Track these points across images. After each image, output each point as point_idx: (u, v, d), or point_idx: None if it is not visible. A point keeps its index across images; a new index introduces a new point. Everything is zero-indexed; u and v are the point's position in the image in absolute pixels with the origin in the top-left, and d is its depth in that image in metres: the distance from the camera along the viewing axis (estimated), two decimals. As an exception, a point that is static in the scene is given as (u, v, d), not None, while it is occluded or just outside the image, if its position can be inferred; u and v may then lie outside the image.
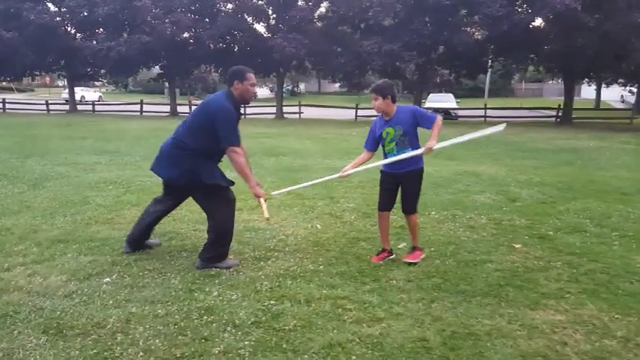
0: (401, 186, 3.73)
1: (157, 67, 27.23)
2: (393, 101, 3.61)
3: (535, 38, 20.29)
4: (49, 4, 25.44)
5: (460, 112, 24.70)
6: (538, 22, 20.35)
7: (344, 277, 3.40)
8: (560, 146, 12.40)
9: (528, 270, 3.61)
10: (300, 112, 24.78)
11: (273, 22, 23.89)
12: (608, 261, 3.86)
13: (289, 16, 22.23)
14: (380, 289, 3.20)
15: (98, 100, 34.71)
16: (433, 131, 3.53)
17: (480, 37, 22.10)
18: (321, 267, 3.57)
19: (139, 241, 3.77)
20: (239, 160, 3.38)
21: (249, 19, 23.71)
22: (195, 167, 3.39)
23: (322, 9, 25.03)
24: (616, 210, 5.58)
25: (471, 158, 9.75)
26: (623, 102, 38.72)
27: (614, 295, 3.23)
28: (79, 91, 33.13)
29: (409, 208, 3.79)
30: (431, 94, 27.02)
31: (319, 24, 24.18)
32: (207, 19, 24.00)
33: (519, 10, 20.13)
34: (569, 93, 22.32)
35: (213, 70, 27.15)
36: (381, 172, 3.81)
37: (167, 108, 25.99)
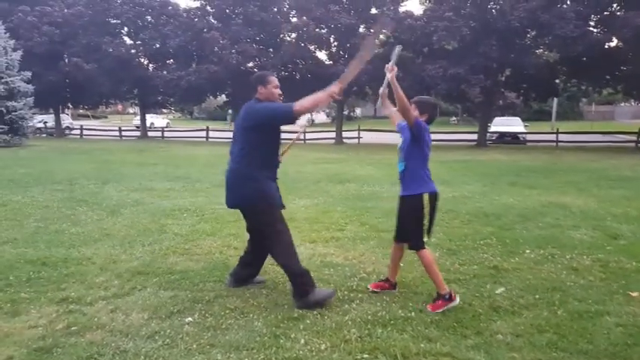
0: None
1: (223, 95, 28.28)
2: (428, 123, 3.37)
3: (612, 59, 19.03)
4: (126, 38, 27.33)
5: (529, 137, 23.50)
6: (615, 42, 19.10)
7: (440, 327, 3.04)
8: (650, 175, 11.28)
9: (658, 325, 3.08)
10: (359, 137, 24.64)
11: (334, 49, 24.16)
12: None
13: (351, 44, 22.39)
14: (485, 344, 2.81)
15: (166, 127, 36.53)
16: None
17: (550, 59, 21.07)
18: (412, 313, 3.23)
19: (246, 280, 3.70)
20: (304, 102, 3.15)
21: (312, 48, 24.13)
22: (260, 186, 3.29)
23: (382, 36, 25.03)
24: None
25: (553, 187, 9.02)
26: None
27: None
28: (149, 118, 35.01)
29: (410, 244, 3.41)
30: (496, 118, 26.00)
31: (381, 50, 24.13)
32: (270, 49, 24.71)
33: (595, 30, 19.03)
34: (653, 116, 20.60)
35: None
36: None
37: (231, 134, 26.73)
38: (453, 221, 6.07)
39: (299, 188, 8.67)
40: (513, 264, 4.31)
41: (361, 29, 23.19)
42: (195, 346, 2.75)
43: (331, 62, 24.09)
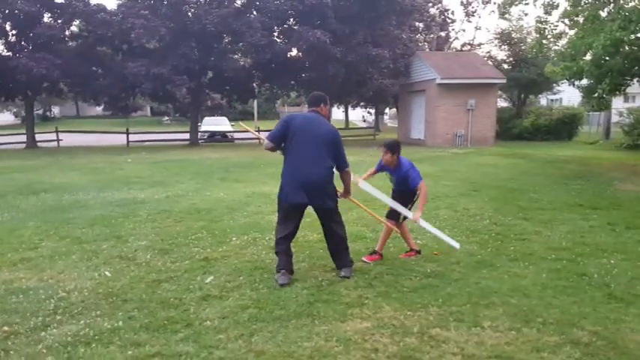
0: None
1: None
2: (398, 156, 4.40)
3: (294, 66, 22.46)
4: None
5: (236, 135, 25.45)
6: (295, 52, 22.61)
7: (150, 329, 3.00)
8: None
9: (330, 282, 3.87)
10: (58, 140, 21.52)
11: (13, 39, 20.18)
12: (390, 262, 4.45)
13: (34, 34, 19.13)
14: (194, 334, 2.94)
15: None
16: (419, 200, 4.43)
17: (246, 63, 23.23)
18: (120, 323, 3.08)
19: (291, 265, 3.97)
20: (350, 176, 4.19)
21: (-20, 35, 19.46)
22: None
23: (75, 28, 22.46)
24: (382, 216, 6.54)
25: (257, 179, 10.12)
26: (364, 121, 46.66)
27: (401, 293, 3.67)
28: None
29: (391, 215, 4.59)
30: (206, 118, 27.11)
31: (73, 43, 21.59)
32: None
33: (279, 40, 22.00)
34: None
35: None
36: None
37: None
38: (166, 220, 6.06)
39: (-30, 207, 6.97)
40: (222, 252, 4.64)
41: (46, 19, 20.12)
42: None
43: (10, 53, 20.09)
